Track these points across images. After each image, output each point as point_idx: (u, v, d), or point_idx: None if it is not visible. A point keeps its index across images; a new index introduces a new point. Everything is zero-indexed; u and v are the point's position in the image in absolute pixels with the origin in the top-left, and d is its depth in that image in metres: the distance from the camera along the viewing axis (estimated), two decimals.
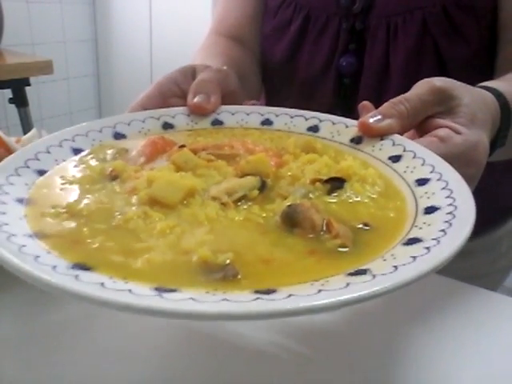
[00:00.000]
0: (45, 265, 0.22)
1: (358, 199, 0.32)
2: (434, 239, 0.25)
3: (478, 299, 0.45)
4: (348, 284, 0.22)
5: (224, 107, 0.46)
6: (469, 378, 0.35)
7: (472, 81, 0.58)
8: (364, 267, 0.24)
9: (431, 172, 0.33)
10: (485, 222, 0.69)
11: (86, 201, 0.30)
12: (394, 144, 0.38)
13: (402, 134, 0.40)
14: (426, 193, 0.32)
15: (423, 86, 0.40)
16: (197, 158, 0.35)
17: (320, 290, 0.21)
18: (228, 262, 0.24)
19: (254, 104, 0.52)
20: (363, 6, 0.59)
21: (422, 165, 0.35)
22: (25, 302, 0.39)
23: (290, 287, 0.22)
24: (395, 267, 0.23)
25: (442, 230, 0.26)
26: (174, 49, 2.43)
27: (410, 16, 0.56)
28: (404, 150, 0.37)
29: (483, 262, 0.73)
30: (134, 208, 0.29)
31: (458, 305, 0.44)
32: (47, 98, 2.53)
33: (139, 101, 0.45)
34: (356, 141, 0.41)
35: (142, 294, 0.21)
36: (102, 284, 0.21)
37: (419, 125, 0.40)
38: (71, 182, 0.32)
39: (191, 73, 0.48)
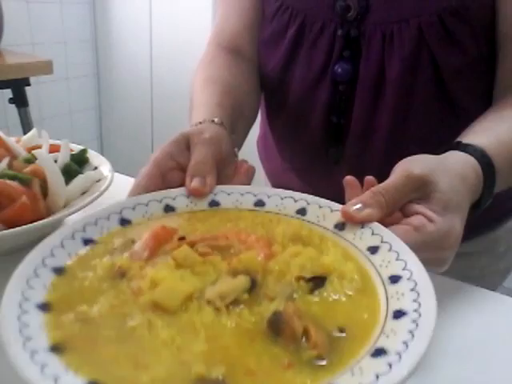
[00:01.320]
0: None
1: (337, 298, 0.37)
2: (396, 353, 0.30)
3: (478, 299, 0.47)
4: None
5: (220, 188, 0.50)
6: (470, 377, 0.37)
7: (468, 88, 0.62)
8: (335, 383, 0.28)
9: (403, 269, 0.38)
10: (482, 224, 0.73)
11: (97, 305, 0.34)
12: (372, 233, 0.43)
13: (383, 219, 0.44)
14: (397, 293, 0.36)
15: (401, 174, 0.44)
16: (195, 253, 0.39)
17: None
18: (221, 377, 0.28)
19: (247, 169, 0.56)
20: (358, 12, 0.61)
21: (396, 259, 0.39)
22: None
23: None
24: None
25: (405, 343, 0.30)
26: (174, 49, 2.49)
27: (405, 24, 0.58)
28: (381, 241, 0.41)
29: (481, 263, 0.76)
30: (139, 314, 0.33)
31: (458, 304, 0.46)
32: (47, 98, 2.58)
33: (141, 182, 0.48)
34: (339, 227, 0.45)
35: None
36: None
37: (400, 208, 0.45)
38: (83, 281, 0.37)
39: (185, 144, 0.52)
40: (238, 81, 0.69)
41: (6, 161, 0.63)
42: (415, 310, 0.33)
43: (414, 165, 0.45)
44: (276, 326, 0.32)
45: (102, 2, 2.70)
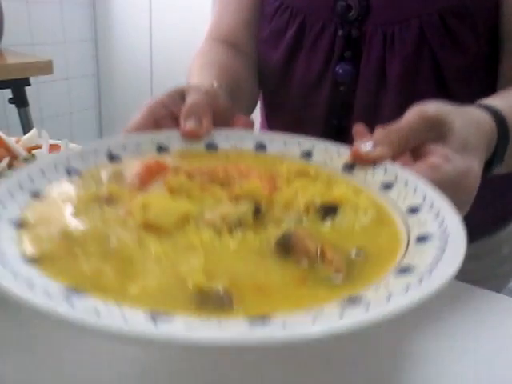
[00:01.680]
0: (38, 290, 0.22)
1: (351, 226, 0.32)
2: (425, 269, 0.26)
3: (482, 300, 0.46)
4: (342, 314, 0.22)
5: (218, 131, 0.46)
6: (472, 378, 0.36)
7: (470, 89, 0.59)
8: (358, 295, 0.24)
9: (423, 200, 0.34)
10: (485, 225, 0.70)
11: (80, 224, 0.30)
12: (385, 172, 0.39)
13: (394, 160, 0.40)
14: (419, 221, 0.32)
15: (415, 114, 0.41)
16: (191, 182, 0.35)
17: (315, 320, 0.21)
18: (222, 289, 0.24)
19: (245, 122, 0.52)
20: (359, 13, 0.59)
21: (414, 193, 0.35)
22: None
23: (284, 316, 0.22)
24: (388, 296, 0.23)
25: (433, 261, 0.26)
26: (174, 48, 2.46)
27: (406, 24, 0.57)
28: (396, 178, 0.37)
29: (486, 265, 0.72)
30: (128, 232, 0.29)
31: (462, 306, 0.44)
32: (47, 98, 2.55)
33: (133, 125, 0.45)
34: (349, 167, 0.41)
35: (136, 322, 0.21)
36: (96, 311, 0.21)
37: (412, 149, 0.41)
38: (65, 205, 0.32)
39: (180, 94, 0.48)
40: (236, 67, 0.66)
41: (5, 161, 0.62)
42: (442, 234, 0.29)
43: (429, 106, 0.42)
44: (286, 246, 0.28)
45: (102, 2, 2.68)
